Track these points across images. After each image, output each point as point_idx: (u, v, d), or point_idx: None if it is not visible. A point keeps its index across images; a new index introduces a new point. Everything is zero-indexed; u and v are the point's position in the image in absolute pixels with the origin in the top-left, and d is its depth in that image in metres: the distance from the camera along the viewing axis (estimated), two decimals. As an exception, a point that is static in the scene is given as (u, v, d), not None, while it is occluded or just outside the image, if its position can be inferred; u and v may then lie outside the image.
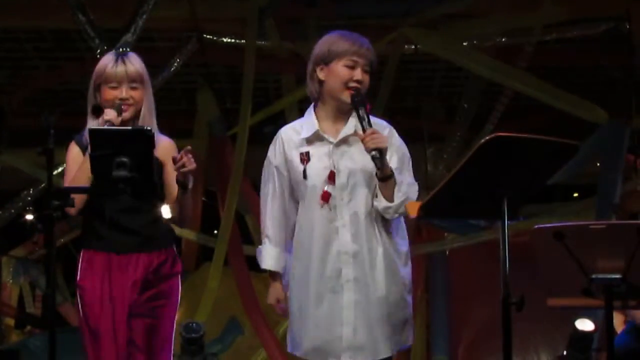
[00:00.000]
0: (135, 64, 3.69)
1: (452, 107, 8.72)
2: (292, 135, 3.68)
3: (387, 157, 3.52)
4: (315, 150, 3.62)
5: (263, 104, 7.98)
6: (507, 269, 3.13)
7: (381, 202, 3.54)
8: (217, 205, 8.02)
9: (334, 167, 3.58)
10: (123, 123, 3.59)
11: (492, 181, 3.16)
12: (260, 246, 3.71)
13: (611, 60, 8.02)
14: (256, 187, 7.71)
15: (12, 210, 8.77)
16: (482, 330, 8.15)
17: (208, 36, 7.47)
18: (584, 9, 7.21)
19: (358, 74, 3.57)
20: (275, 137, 3.73)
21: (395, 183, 3.53)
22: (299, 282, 3.62)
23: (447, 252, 8.48)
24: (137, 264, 3.60)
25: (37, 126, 3.41)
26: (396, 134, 3.68)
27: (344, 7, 7.21)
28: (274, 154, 3.70)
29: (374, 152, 3.44)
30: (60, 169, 7.91)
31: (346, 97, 3.57)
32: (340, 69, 3.58)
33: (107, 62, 3.69)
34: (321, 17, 7.22)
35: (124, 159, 3.11)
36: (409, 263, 3.70)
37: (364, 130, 3.49)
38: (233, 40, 7.54)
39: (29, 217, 9.39)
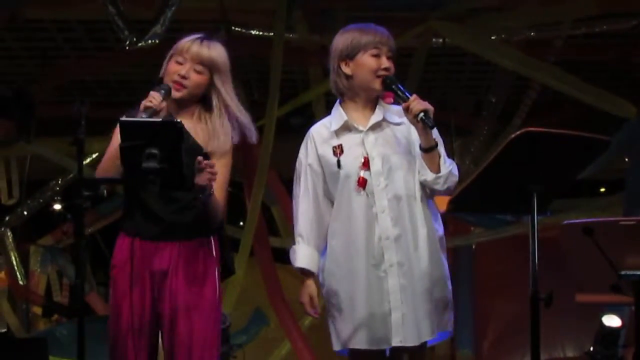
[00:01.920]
0: (212, 50, 3.54)
1: (479, 100, 8.70)
2: (322, 131, 3.69)
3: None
4: (347, 141, 3.62)
5: (290, 95, 7.98)
6: (537, 264, 3.12)
7: (429, 175, 3.52)
8: (243, 196, 8.03)
9: (367, 153, 3.58)
10: (178, 103, 3.52)
11: (522, 176, 3.16)
12: (293, 246, 3.67)
13: (641, 55, 7.98)
14: (283, 178, 7.80)
15: (41, 200, 8.86)
16: (507, 325, 8.14)
17: (236, 28, 7.48)
18: (614, 4, 7.17)
19: (384, 61, 3.60)
20: (305, 136, 3.73)
21: (439, 154, 3.53)
22: (345, 275, 3.58)
23: (474, 246, 8.46)
24: (160, 252, 3.45)
25: (65, 116, 3.40)
26: None
27: (373, -1, 7.21)
28: (305, 152, 3.69)
29: (421, 114, 3.43)
30: (89, 160, 8.10)
31: (378, 85, 3.60)
32: (367, 59, 3.60)
33: (189, 37, 3.56)
34: (349, 9, 7.22)
35: (154, 151, 3.07)
36: (445, 249, 3.69)
37: (404, 101, 3.48)
38: (261, 32, 7.55)
39: (57, 206, 9.49)
